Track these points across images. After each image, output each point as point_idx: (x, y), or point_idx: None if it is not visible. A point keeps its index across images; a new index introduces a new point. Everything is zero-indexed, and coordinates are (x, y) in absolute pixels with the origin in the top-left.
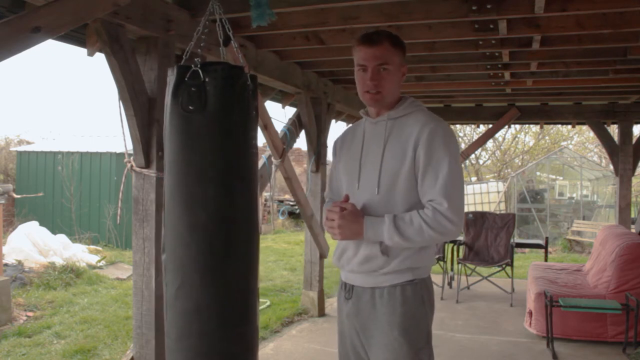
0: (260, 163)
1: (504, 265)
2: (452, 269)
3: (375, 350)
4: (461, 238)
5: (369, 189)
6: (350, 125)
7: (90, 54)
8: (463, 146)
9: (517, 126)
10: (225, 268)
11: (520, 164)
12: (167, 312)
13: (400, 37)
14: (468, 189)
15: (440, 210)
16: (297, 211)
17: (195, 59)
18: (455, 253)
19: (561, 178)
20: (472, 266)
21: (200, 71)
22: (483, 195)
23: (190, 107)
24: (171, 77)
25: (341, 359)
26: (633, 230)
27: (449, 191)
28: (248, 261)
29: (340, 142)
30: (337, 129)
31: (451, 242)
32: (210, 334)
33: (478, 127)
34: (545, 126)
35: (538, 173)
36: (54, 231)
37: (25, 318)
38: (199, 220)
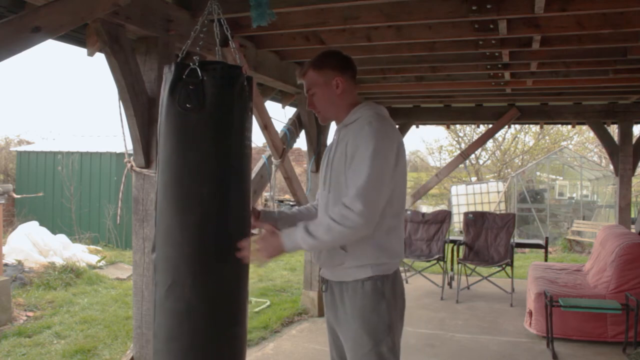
0: (260, 163)
1: (504, 265)
2: (452, 269)
3: (344, 341)
4: (461, 238)
5: (324, 189)
6: None
7: (90, 54)
8: (463, 146)
9: (517, 126)
10: (217, 268)
11: (520, 164)
12: (155, 313)
13: (328, 53)
14: (468, 189)
15: (345, 203)
16: None
17: (194, 57)
18: (455, 253)
19: (561, 178)
20: (472, 266)
21: (198, 69)
22: (483, 195)
23: (188, 105)
24: (168, 75)
25: (330, 348)
26: (633, 230)
27: (356, 182)
28: (239, 262)
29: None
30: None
31: (451, 242)
32: (200, 335)
33: (478, 127)
34: (545, 126)
35: (538, 173)
36: (54, 231)
37: (25, 318)
38: (192, 219)
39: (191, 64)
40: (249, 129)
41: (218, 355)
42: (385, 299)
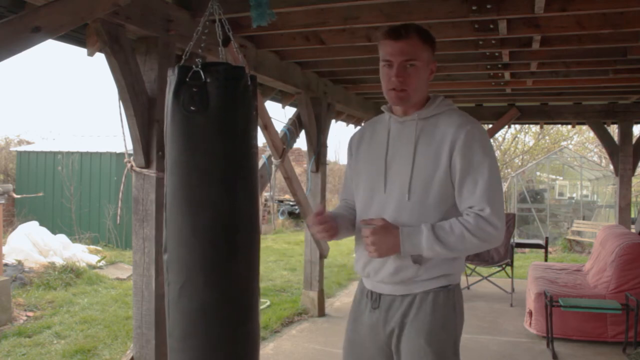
0: (260, 163)
1: (504, 265)
2: None
3: (404, 358)
4: None
5: (397, 194)
6: (368, 121)
7: (90, 54)
8: None
9: (517, 126)
10: (228, 267)
11: (520, 164)
12: (169, 312)
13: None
14: None
15: (483, 216)
16: (297, 211)
17: (197, 60)
18: None
19: (561, 178)
20: (472, 266)
21: (201, 72)
22: None
23: (192, 108)
24: (172, 78)
25: None
26: (633, 230)
27: (491, 197)
28: (250, 260)
29: (357, 139)
30: (337, 129)
31: None
32: (215, 334)
33: None
34: (545, 126)
35: (538, 173)
36: (54, 231)
37: (25, 318)
38: (202, 221)
39: (194, 66)
40: (254, 129)
41: (233, 352)
42: (455, 312)
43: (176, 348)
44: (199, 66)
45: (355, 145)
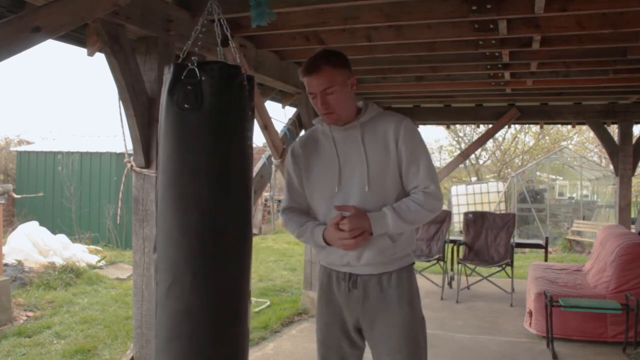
0: (260, 163)
1: (504, 265)
2: (452, 269)
3: (383, 328)
4: (461, 238)
5: (357, 188)
6: (305, 134)
7: (90, 54)
8: (463, 146)
9: (517, 126)
10: (216, 268)
11: (520, 164)
12: (157, 312)
13: (335, 51)
14: (468, 189)
15: (429, 192)
16: None
17: (192, 58)
18: (455, 253)
19: (561, 178)
20: (472, 266)
21: (196, 70)
22: (483, 195)
23: (186, 106)
24: (167, 75)
25: (328, 349)
26: (633, 230)
27: (432, 176)
28: (240, 262)
29: (303, 150)
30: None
31: (451, 242)
32: (200, 335)
33: (478, 127)
34: (545, 126)
35: (538, 173)
36: (54, 231)
37: (25, 318)
38: (191, 220)
39: (189, 64)
40: (249, 129)
41: (218, 355)
42: (416, 284)
43: (162, 349)
44: (194, 64)
45: (302, 155)
